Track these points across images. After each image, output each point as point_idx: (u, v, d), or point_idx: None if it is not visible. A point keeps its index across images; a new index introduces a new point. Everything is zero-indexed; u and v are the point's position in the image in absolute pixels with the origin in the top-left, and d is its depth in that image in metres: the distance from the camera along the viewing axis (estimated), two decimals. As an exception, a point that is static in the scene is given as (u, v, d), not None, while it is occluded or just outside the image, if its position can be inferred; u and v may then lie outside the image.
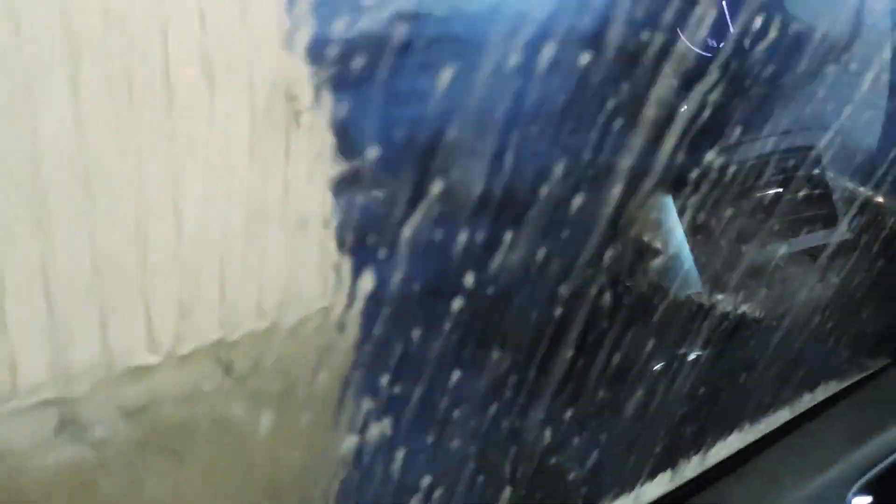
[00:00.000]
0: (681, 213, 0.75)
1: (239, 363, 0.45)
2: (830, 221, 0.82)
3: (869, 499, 0.82)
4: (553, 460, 0.68)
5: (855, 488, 0.80)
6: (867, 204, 0.84)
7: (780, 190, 0.77)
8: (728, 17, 0.76)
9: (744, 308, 0.84)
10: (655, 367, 0.74)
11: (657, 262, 0.75)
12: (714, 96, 0.68)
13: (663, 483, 0.74)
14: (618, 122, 0.61)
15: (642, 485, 0.71)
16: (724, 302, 0.82)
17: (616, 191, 0.61)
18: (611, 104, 0.61)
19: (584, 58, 0.58)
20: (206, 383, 0.44)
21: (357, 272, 0.48)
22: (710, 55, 0.74)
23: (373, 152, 0.49)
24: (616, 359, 0.67)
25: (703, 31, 0.71)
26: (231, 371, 0.45)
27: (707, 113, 0.67)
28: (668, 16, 0.63)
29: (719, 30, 0.76)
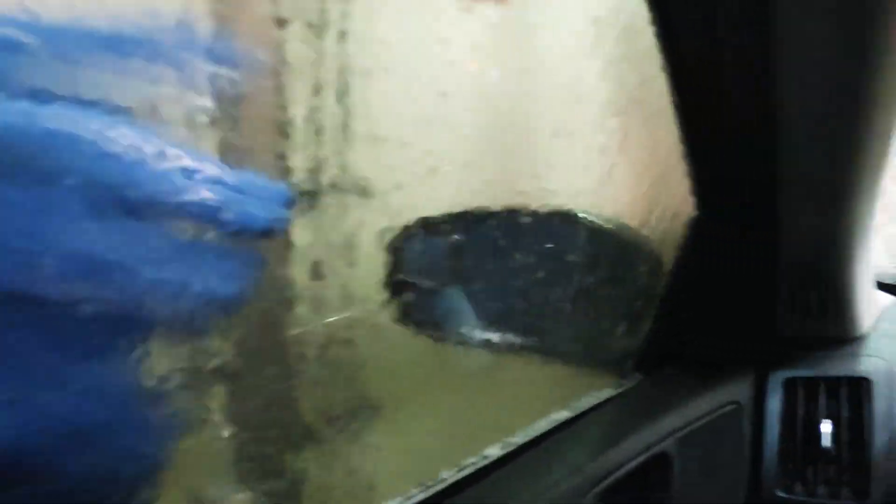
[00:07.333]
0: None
1: None
2: (587, 266, 0.92)
3: (599, 507, 0.94)
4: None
5: (589, 497, 0.91)
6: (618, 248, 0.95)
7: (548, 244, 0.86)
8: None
9: (513, 338, 0.93)
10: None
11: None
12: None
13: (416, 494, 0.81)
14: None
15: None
16: (493, 333, 0.91)
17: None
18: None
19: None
20: None
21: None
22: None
23: None
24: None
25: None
26: None
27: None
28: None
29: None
